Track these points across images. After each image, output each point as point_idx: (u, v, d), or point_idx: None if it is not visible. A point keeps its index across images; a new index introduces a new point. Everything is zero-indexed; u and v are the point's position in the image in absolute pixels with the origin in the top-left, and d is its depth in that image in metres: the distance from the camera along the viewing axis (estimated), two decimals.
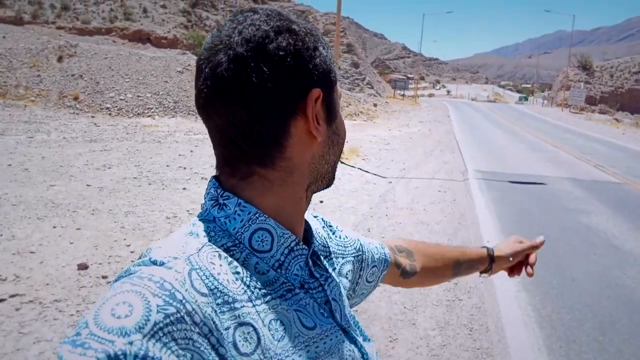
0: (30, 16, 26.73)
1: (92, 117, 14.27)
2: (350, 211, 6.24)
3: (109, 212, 5.42)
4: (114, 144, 9.97)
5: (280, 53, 0.57)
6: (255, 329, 0.53)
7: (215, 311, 0.49)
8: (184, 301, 0.46)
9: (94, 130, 11.89)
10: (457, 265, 1.11)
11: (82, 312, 3.27)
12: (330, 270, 0.70)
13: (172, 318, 0.44)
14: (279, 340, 0.55)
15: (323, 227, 0.82)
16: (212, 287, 0.51)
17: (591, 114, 38.21)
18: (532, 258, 1.20)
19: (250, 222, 0.59)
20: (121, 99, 15.61)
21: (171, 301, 0.45)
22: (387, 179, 8.43)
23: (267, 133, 0.58)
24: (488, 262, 1.15)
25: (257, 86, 0.56)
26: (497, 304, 3.85)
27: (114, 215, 5.33)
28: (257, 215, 0.59)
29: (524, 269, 1.19)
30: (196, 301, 0.47)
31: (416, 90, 50.58)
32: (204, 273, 0.51)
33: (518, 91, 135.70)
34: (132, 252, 4.37)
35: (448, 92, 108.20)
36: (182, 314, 0.45)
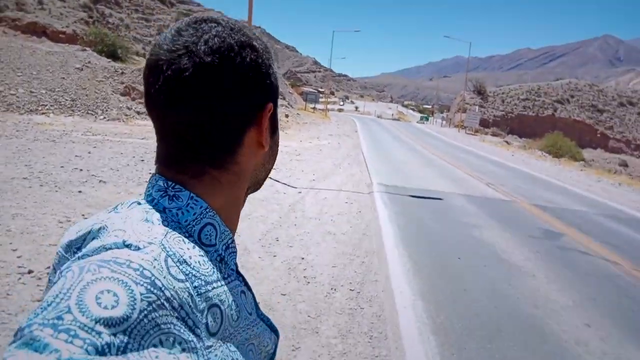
0: None
1: None
2: (259, 219, 6.21)
3: None
4: (2, 142, 9.09)
5: (244, 66, 0.62)
6: (220, 310, 0.55)
7: (191, 295, 0.51)
8: (163, 288, 0.47)
9: None
10: None
11: None
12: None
13: (154, 305, 0.45)
14: (235, 320, 0.59)
15: None
16: (187, 272, 0.52)
17: (485, 136, 41.41)
18: None
19: (201, 216, 0.61)
20: (12, 94, 14.25)
21: (152, 289, 0.46)
22: (297, 189, 8.51)
23: (224, 139, 0.62)
24: None
25: (222, 95, 0.60)
26: (396, 312, 4.02)
27: (0, 217, 4.85)
28: (207, 210, 0.62)
29: None
30: (174, 287, 0.48)
31: (327, 104, 51.69)
32: (178, 259, 0.52)
33: (420, 111, 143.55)
34: (18, 256, 4.00)
35: (356, 108, 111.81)
36: (162, 300, 0.46)
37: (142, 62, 22.59)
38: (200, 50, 0.59)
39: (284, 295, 4.10)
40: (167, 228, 0.56)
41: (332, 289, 4.36)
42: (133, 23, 34.22)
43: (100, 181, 7.03)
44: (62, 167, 7.59)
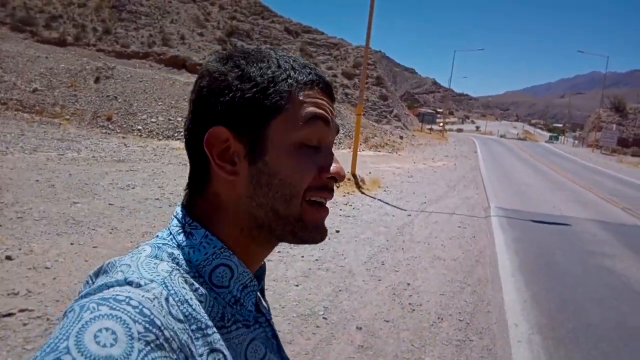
0: (73, 38, 27.92)
1: (123, 137, 14.65)
2: (365, 242, 6.18)
3: (127, 232, 5.50)
4: (141, 165, 10.18)
5: (197, 92, 0.63)
6: (225, 356, 0.53)
7: (191, 337, 0.50)
8: (162, 328, 0.46)
9: (123, 150, 12.19)
10: None
11: None
12: (267, 306, 0.71)
13: (152, 345, 0.44)
14: None
15: None
16: (187, 313, 0.51)
17: (623, 156, 37.29)
18: None
19: (214, 257, 0.59)
20: (152, 121, 16.02)
21: (151, 328, 0.45)
22: (407, 211, 8.35)
23: (198, 165, 0.63)
24: None
25: (191, 120, 0.63)
26: (509, 347, 3.72)
27: (131, 235, 5.40)
28: (222, 250, 0.60)
29: None
30: (173, 328, 0.47)
31: (444, 124, 50.43)
32: (179, 298, 0.51)
33: (549, 130, 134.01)
34: None
35: (477, 128, 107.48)
36: (161, 340, 0.45)
37: None
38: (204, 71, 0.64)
39: (387, 322, 4.00)
40: (173, 266, 0.55)
41: (438, 318, 4.17)
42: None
43: None
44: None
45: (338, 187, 0.62)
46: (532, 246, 6.81)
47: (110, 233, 5.40)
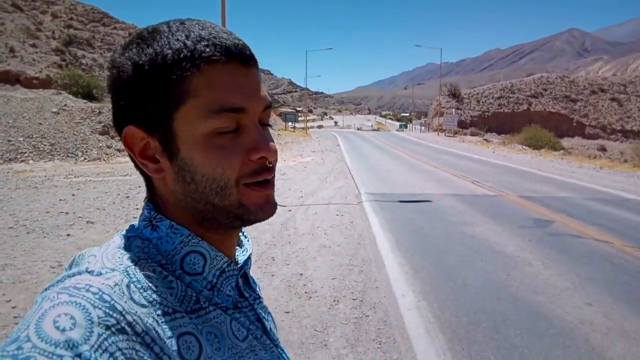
0: None
1: None
2: (252, 241, 6.14)
3: None
4: None
5: (110, 86, 0.59)
6: (197, 338, 0.53)
7: (157, 321, 0.49)
8: (124, 312, 0.46)
9: None
10: None
11: None
12: (257, 290, 0.72)
13: (113, 329, 0.44)
14: (217, 350, 0.56)
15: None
16: (151, 299, 0.51)
17: (464, 137, 41.92)
18: None
19: (182, 245, 0.58)
20: None
21: (111, 312, 0.45)
22: (287, 207, 8.51)
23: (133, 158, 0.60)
24: None
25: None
26: (401, 316, 4.01)
27: None
28: (189, 237, 0.59)
29: None
30: (136, 312, 0.47)
31: (306, 122, 51.96)
32: (142, 285, 0.51)
33: (398, 119, 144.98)
34: (13, 307, 3.92)
35: (335, 123, 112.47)
36: (122, 324, 0.45)
37: None
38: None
39: (288, 312, 4.07)
40: (141, 255, 0.55)
41: (334, 300, 4.35)
42: (106, 62, 34.18)
43: (87, 222, 6.95)
44: (47, 212, 7.50)
45: (271, 164, 0.59)
46: (404, 224, 7.38)
47: None
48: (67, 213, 7.48)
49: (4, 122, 15.43)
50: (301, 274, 5.01)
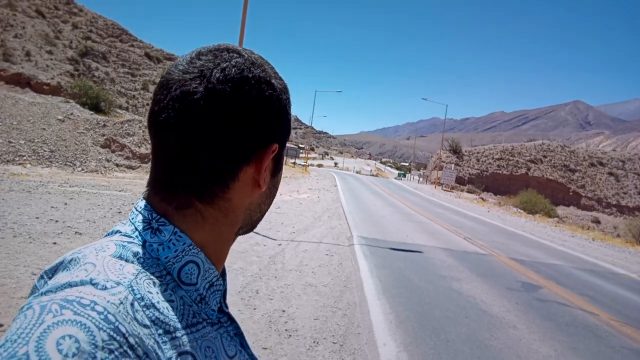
0: None
1: None
2: (238, 272, 6.12)
3: None
4: None
5: (256, 102, 0.60)
6: (194, 357, 0.53)
7: (158, 342, 0.49)
8: (127, 335, 0.45)
9: None
10: None
11: None
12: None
13: (116, 353, 0.43)
14: None
15: None
16: (154, 317, 0.50)
17: (461, 192, 42.12)
18: None
19: (183, 253, 0.59)
20: None
21: (115, 335, 0.44)
22: (277, 241, 8.46)
23: (218, 170, 0.59)
24: None
25: (227, 124, 0.58)
26: None
27: None
28: (190, 247, 0.59)
29: None
30: (138, 334, 0.46)
31: (307, 160, 52.26)
32: (145, 303, 0.50)
33: (397, 168, 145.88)
34: None
35: (335, 164, 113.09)
36: (125, 348, 0.44)
37: (126, 116, 22.74)
38: (215, 76, 0.58)
39: (265, 349, 4.00)
40: (139, 267, 0.54)
41: (314, 342, 4.27)
42: (119, 77, 34.71)
43: (76, 232, 6.89)
44: (37, 217, 7.44)
45: None
46: (392, 271, 7.33)
47: None
48: (56, 221, 7.42)
49: (7, 122, 15.49)
50: (284, 311, 4.93)
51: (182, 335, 0.53)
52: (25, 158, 14.23)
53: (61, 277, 0.49)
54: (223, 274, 0.69)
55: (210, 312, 0.61)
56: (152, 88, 36.81)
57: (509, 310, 5.96)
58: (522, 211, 29.58)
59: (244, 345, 0.67)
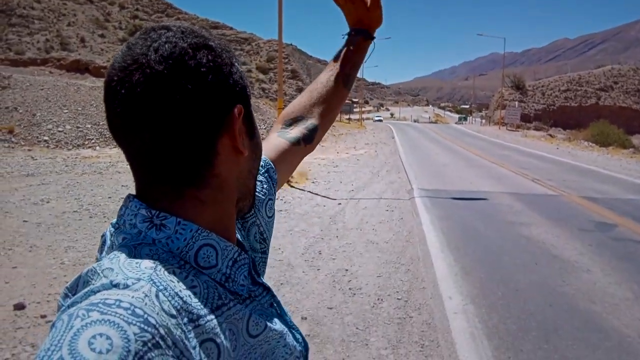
0: None
1: (29, 150, 13.60)
2: (301, 234, 6.24)
3: (48, 248, 5.16)
4: (53, 177, 9.54)
5: (202, 70, 0.56)
6: (216, 344, 0.53)
7: (184, 332, 0.48)
8: (157, 325, 0.44)
9: (31, 163, 11.34)
10: (345, 79, 1.09)
11: (19, 355, 3.07)
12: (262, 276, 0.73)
13: (149, 345, 0.43)
14: (233, 350, 0.56)
15: None
16: (179, 306, 0.49)
17: (527, 131, 40.27)
18: None
19: (193, 240, 0.58)
20: (59, 131, 15.00)
21: (146, 327, 0.43)
22: (337, 200, 8.52)
23: (195, 152, 0.57)
24: (359, 34, 1.09)
25: (180, 105, 0.55)
26: (446, 319, 3.93)
27: (53, 252, 5.08)
28: (199, 232, 0.58)
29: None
30: (167, 324, 0.46)
31: (361, 114, 51.64)
32: (169, 292, 0.49)
33: (457, 112, 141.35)
34: None
35: (392, 114, 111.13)
36: (157, 339, 0.44)
37: None
38: (151, 59, 0.55)
39: (331, 308, 4.09)
40: (156, 261, 0.53)
41: (378, 299, 4.32)
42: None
43: None
44: (109, 197, 7.89)
45: None
46: (456, 222, 7.21)
47: (30, 251, 5.04)
48: None
49: (73, 109, 16.34)
50: (347, 270, 5.00)
51: (206, 322, 0.52)
52: (93, 141, 15.02)
53: (84, 288, 0.50)
54: (244, 248, 0.70)
55: (240, 288, 0.61)
56: None
57: (581, 253, 5.73)
58: (594, 145, 27.91)
59: (281, 314, 0.67)
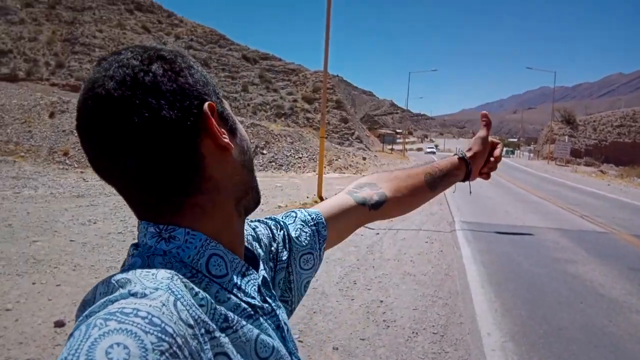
0: (24, 73, 27.28)
1: (82, 172, 14.28)
2: (336, 262, 6.19)
3: (91, 268, 5.33)
4: (101, 199, 9.93)
5: (159, 80, 0.57)
6: (230, 358, 0.53)
7: (200, 343, 0.48)
8: (174, 335, 0.44)
9: (82, 185, 11.88)
10: (430, 179, 1.11)
11: None
12: (276, 294, 0.72)
13: (167, 354, 0.42)
14: None
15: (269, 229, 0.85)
16: (196, 316, 0.50)
17: (577, 167, 38.87)
18: (497, 151, 1.22)
19: (203, 249, 0.59)
20: None
21: (164, 336, 0.43)
22: (375, 230, 8.43)
23: (181, 161, 0.58)
24: (464, 166, 1.15)
25: (150, 122, 0.55)
26: (484, 356, 3.77)
27: (96, 271, 5.24)
28: (207, 241, 0.59)
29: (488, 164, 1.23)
30: (184, 334, 0.46)
31: (404, 144, 51.44)
32: (187, 302, 0.50)
33: (505, 145, 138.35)
34: None
35: (436, 146, 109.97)
36: (174, 348, 0.43)
37: None
38: (109, 88, 0.55)
39: (363, 340, 4.00)
40: (172, 271, 0.53)
41: (413, 332, 4.20)
42: (220, 81, 36.73)
43: None
44: None
45: None
46: (498, 257, 6.97)
47: (74, 270, 5.22)
48: None
49: None
50: (382, 301, 4.91)
51: (219, 337, 0.52)
52: None
53: (101, 298, 0.49)
54: (255, 264, 0.69)
55: (251, 299, 0.61)
56: (251, 89, 38.41)
57: (630, 293, 5.40)
58: None
59: (285, 340, 0.66)
